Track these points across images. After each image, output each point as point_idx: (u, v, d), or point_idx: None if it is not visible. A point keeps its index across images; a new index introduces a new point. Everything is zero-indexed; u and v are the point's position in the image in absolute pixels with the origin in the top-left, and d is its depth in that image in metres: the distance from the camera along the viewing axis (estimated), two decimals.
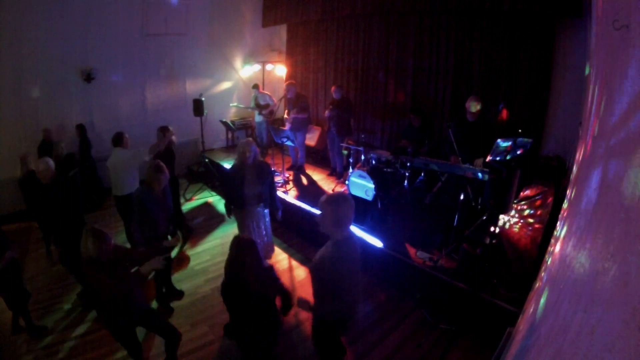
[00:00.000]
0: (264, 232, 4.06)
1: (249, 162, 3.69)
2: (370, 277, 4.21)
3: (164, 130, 4.53)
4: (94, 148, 6.02)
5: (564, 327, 1.01)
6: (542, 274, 2.13)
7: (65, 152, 5.42)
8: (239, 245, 2.32)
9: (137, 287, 2.62)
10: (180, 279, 4.17)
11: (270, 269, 2.57)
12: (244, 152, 3.68)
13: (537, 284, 2.15)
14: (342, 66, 6.95)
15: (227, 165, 6.90)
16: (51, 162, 3.45)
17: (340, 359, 2.86)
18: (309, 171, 6.60)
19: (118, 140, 4.25)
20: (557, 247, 1.79)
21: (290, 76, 7.75)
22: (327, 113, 5.92)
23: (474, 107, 4.17)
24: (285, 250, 4.86)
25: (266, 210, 4.04)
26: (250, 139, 3.89)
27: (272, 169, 4.67)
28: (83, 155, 5.82)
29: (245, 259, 2.27)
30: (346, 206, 2.19)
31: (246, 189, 3.73)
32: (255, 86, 7.30)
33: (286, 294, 2.57)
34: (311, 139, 7.26)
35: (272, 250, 4.39)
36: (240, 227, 4.03)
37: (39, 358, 3.10)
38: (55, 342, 3.27)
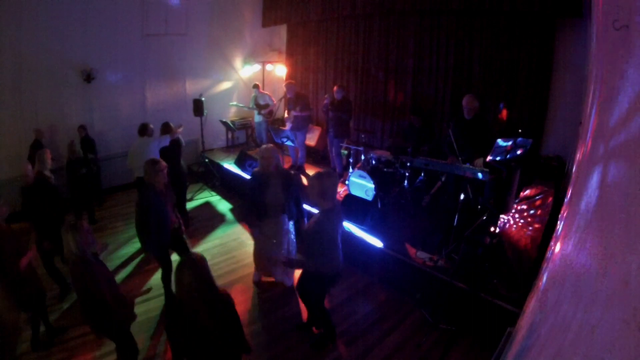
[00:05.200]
0: (285, 250, 3.76)
1: (272, 169, 3.51)
2: (370, 277, 4.21)
3: (166, 129, 5.17)
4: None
5: (564, 327, 1.01)
6: (542, 274, 2.13)
7: (80, 153, 5.46)
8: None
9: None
10: None
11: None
12: (266, 158, 3.48)
13: (537, 284, 2.15)
14: (342, 66, 6.95)
15: (227, 165, 6.91)
16: (29, 166, 3.79)
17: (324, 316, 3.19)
18: (309, 171, 6.60)
19: (143, 130, 5.00)
20: (557, 247, 1.79)
21: (290, 76, 7.74)
22: (325, 101, 5.87)
23: (470, 103, 4.17)
24: None
25: (289, 226, 3.77)
26: (272, 145, 3.70)
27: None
28: (87, 155, 5.82)
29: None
30: (330, 181, 2.69)
31: (268, 198, 3.54)
32: (256, 86, 7.30)
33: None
34: (311, 139, 7.26)
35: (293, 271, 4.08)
36: (257, 240, 3.89)
37: (39, 358, 3.10)
38: (55, 342, 3.26)
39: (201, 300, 1.90)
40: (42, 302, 3.20)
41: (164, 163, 3.34)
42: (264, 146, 3.61)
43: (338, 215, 2.79)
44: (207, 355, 1.99)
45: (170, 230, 3.47)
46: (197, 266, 1.91)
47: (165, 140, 4.99)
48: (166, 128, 5.18)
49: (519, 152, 3.48)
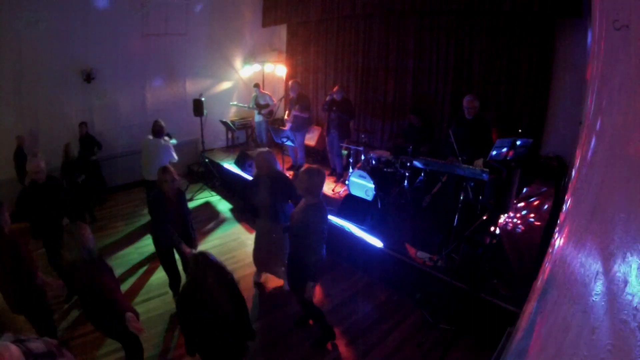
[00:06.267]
0: (281, 254, 3.76)
1: (263, 172, 3.60)
2: (370, 277, 4.22)
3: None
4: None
5: (564, 327, 1.01)
6: (542, 274, 2.13)
7: (77, 155, 5.43)
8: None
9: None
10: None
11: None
12: (258, 161, 3.61)
13: (538, 284, 2.15)
14: (342, 66, 6.94)
15: (227, 165, 6.92)
16: (42, 162, 3.65)
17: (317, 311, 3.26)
18: None
19: (160, 130, 4.83)
20: (557, 247, 1.79)
21: (290, 76, 7.75)
22: (328, 98, 5.85)
23: (471, 103, 4.17)
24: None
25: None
26: (268, 148, 3.81)
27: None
28: (84, 156, 5.80)
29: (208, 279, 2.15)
30: (319, 179, 2.80)
31: (256, 200, 3.66)
32: (256, 85, 7.30)
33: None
34: (311, 139, 7.27)
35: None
36: (255, 241, 4.00)
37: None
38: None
39: (216, 284, 2.14)
40: (43, 302, 3.17)
41: (171, 174, 3.27)
42: (258, 150, 3.70)
43: (324, 211, 2.92)
44: (216, 343, 2.19)
45: (172, 232, 3.41)
46: (210, 259, 2.20)
47: (174, 157, 4.95)
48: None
49: (519, 151, 3.48)
